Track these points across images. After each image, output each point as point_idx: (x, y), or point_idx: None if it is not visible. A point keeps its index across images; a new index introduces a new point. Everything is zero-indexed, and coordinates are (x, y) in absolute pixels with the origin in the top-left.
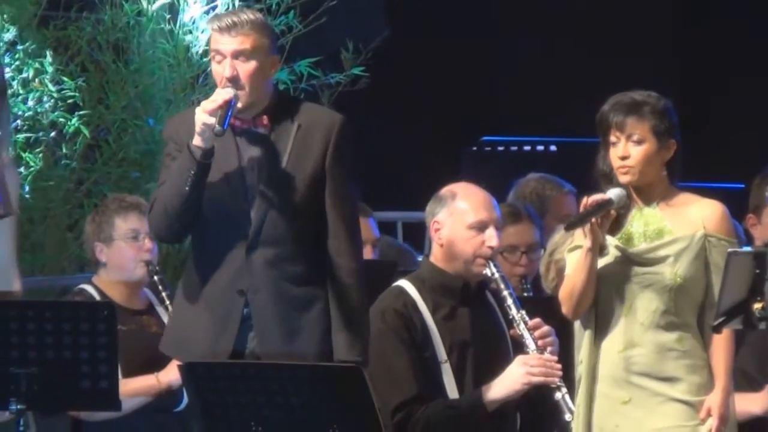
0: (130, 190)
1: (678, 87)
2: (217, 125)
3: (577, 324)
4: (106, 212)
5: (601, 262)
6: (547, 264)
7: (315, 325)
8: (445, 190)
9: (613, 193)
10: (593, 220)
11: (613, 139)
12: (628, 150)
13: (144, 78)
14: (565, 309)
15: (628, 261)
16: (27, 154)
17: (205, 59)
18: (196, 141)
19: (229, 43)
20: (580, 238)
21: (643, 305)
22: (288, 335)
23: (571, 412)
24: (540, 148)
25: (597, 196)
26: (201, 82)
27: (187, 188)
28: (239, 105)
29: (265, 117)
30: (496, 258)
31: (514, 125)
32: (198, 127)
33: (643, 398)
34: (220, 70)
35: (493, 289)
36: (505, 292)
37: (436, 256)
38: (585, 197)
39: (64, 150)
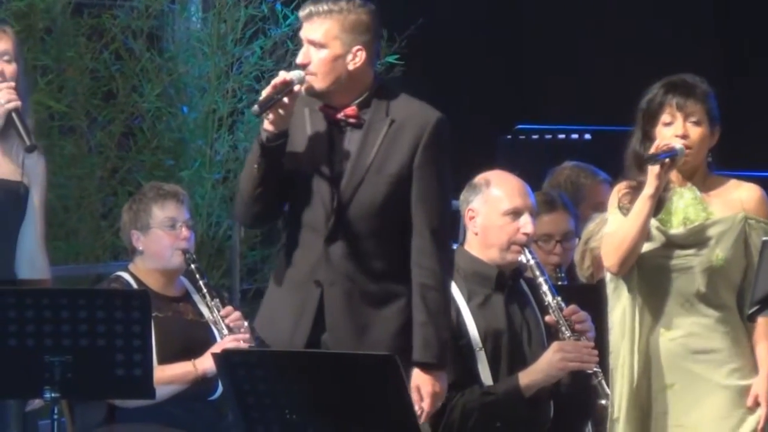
0: (164, 178)
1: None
2: (257, 106)
3: (615, 308)
4: (143, 200)
5: (645, 246)
6: (581, 252)
7: (389, 323)
8: (479, 178)
9: (293, 74)
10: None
11: (667, 119)
12: (687, 129)
13: (178, 66)
14: (611, 262)
15: (669, 243)
16: (62, 141)
17: (238, 48)
18: (265, 123)
19: (305, 31)
20: (614, 206)
21: (684, 287)
22: (358, 330)
23: (608, 398)
24: (575, 136)
25: (278, 79)
26: (236, 70)
27: (255, 170)
28: (314, 89)
29: (354, 108)
30: (531, 245)
31: (548, 113)
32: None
33: (689, 383)
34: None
35: (528, 277)
36: (541, 279)
37: (471, 244)
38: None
39: (98, 138)
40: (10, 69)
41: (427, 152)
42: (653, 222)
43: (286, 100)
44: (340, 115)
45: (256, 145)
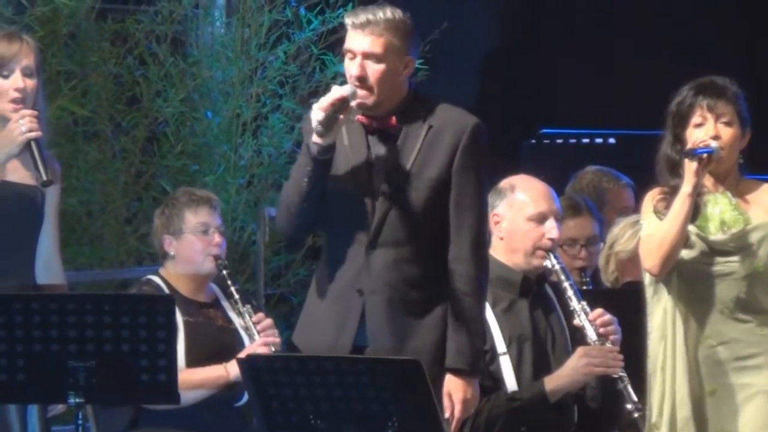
0: (189, 183)
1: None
2: (319, 124)
3: (654, 313)
4: (176, 205)
5: (683, 252)
6: (606, 257)
7: (430, 331)
8: (504, 183)
9: (347, 89)
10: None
11: (698, 120)
12: (719, 130)
13: (202, 71)
14: (652, 263)
15: (710, 250)
16: (86, 147)
17: (262, 52)
18: (314, 137)
19: (360, 42)
20: (649, 211)
21: (724, 293)
22: (399, 339)
23: (634, 403)
24: (599, 140)
25: (335, 96)
26: (259, 75)
27: (305, 184)
28: (368, 103)
29: (393, 117)
30: (556, 250)
31: (573, 118)
32: (313, 123)
33: (730, 389)
34: (349, 67)
35: (553, 282)
36: (566, 284)
37: (496, 249)
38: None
39: (122, 143)
40: (31, 84)
41: (465, 157)
42: (692, 229)
43: (342, 116)
44: (377, 125)
45: (306, 159)
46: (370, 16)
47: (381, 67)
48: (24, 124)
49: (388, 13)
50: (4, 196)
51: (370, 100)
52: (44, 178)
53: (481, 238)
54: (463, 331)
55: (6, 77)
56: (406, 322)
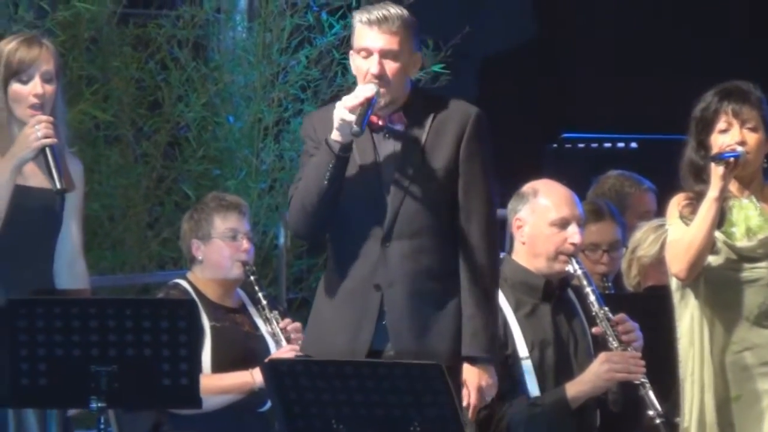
0: (210, 188)
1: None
2: (355, 125)
3: (682, 318)
4: (205, 210)
5: (710, 259)
6: (628, 261)
7: (449, 322)
8: (527, 187)
9: (370, 89)
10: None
11: (723, 126)
12: (744, 136)
13: (224, 75)
14: (678, 268)
15: (737, 256)
16: (107, 151)
17: (284, 57)
18: (335, 135)
19: (377, 40)
20: (674, 216)
21: (751, 299)
22: (420, 332)
23: (655, 409)
24: (621, 145)
25: (363, 96)
26: (281, 80)
27: (326, 182)
28: (381, 102)
29: (401, 114)
30: (578, 255)
31: (594, 122)
32: (336, 122)
33: (754, 395)
34: (365, 65)
35: (575, 286)
36: (588, 289)
37: (518, 254)
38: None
39: (144, 147)
40: (50, 90)
41: (471, 145)
42: (719, 235)
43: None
44: (383, 122)
45: (326, 158)
46: (385, 13)
47: (398, 64)
48: (39, 130)
49: (399, 10)
50: (22, 202)
51: (386, 98)
52: (57, 186)
53: (489, 225)
54: (476, 318)
55: (25, 82)
56: (425, 314)
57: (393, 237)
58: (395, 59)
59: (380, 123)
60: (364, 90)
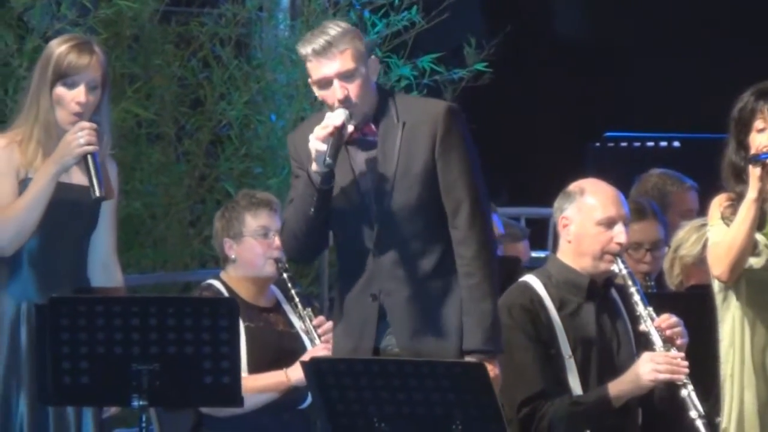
0: (253, 186)
1: None
2: (327, 157)
3: (725, 320)
4: (236, 209)
5: (751, 261)
6: (671, 260)
7: (450, 318)
8: (574, 186)
9: (339, 115)
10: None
11: (760, 125)
12: None
13: (266, 74)
14: (720, 270)
15: None
16: (149, 149)
17: None
18: (314, 167)
19: (330, 66)
20: (716, 218)
21: None
22: (424, 332)
23: (697, 410)
24: (663, 144)
25: (330, 127)
26: None
27: (311, 212)
28: (356, 122)
29: (371, 125)
30: (623, 254)
31: (637, 121)
32: (312, 153)
33: None
34: (329, 94)
35: (619, 286)
36: (632, 289)
37: (564, 252)
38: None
39: (186, 146)
40: (92, 99)
41: (445, 142)
42: (760, 238)
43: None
44: (357, 135)
45: (310, 190)
46: (326, 38)
47: (358, 80)
48: (82, 137)
49: (337, 27)
50: (59, 199)
51: (357, 117)
52: (96, 194)
53: (476, 216)
54: (471, 312)
55: (70, 87)
56: (426, 314)
57: (384, 247)
58: (353, 77)
59: (353, 136)
60: (333, 118)
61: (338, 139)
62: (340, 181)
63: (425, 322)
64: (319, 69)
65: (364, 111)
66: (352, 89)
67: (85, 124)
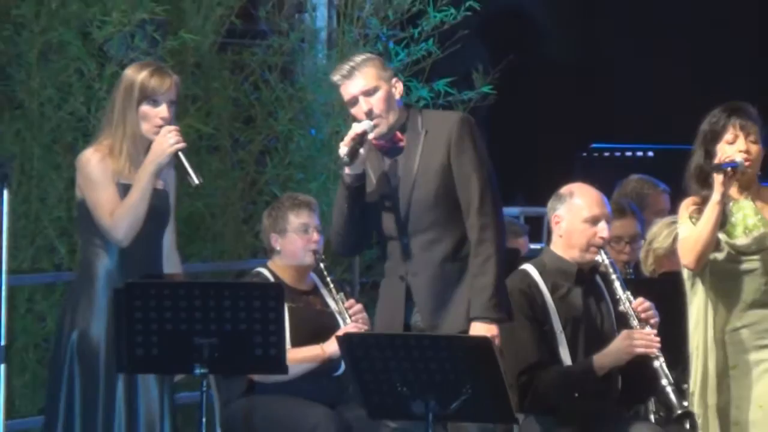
0: (295, 190)
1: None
2: (345, 156)
3: (692, 302)
4: (281, 208)
5: (714, 255)
6: (646, 252)
7: (464, 294)
8: (564, 189)
9: (364, 125)
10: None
11: (730, 138)
12: (748, 147)
13: (307, 95)
14: (688, 260)
15: (736, 252)
16: (209, 158)
17: None
18: (345, 170)
19: (355, 86)
20: (684, 218)
21: (748, 286)
22: (442, 309)
23: (668, 378)
24: (640, 153)
25: (353, 133)
26: None
27: (346, 210)
28: (383, 130)
29: (398, 133)
30: (606, 247)
31: (618, 134)
32: (340, 155)
33: (747, 365)
34: (358, 110)
35: (603, 273)
36: (613, 276)
37: (556, 245)
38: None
39: (239, 155)
40: (171, 115)
41: (457, 146)
42: (721, 236)
43: (362, 151)
44: (388, 143)
45: (342, 189)
46: (351, 63)
47: (379, 95)
48: (172, 137)
49: (360, 56)
50: (151, 202)
51: (383, 127)
52: (196, 181)
53: (484, 206)
54: (476, 286)
55: (154, 105)
56: (445, 294)
57: (410, 234)
58: (375, 93)
59: (387, 145)
60: (356, 127)
61: (358, 143)
62: (376, 181)
63: (443, 300)
64: (347, 90)
65: (389, 122)
66: (375, 104)
67: (171, 127)
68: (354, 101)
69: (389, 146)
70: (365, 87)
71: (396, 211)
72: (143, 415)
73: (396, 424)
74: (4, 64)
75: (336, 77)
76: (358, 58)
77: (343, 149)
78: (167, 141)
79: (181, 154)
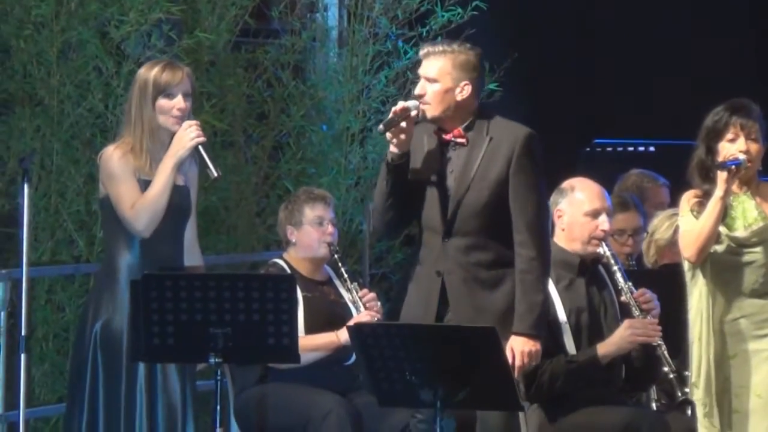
0: (307, 184)
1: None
2: (383, 125)
3: (692, 293)
4: (297, 202)
5: (715, 247)
6: (648, 244)
7: (498, 303)
8: (566, 184)
9: (410, 103)
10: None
11: (731, 136)
12: (749, 145)
13: (318, 92)
14: (690, 253)
15: (736, 244)
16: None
17: (367, 77)
18: (390, 147)
19: (423, 68)
20: (686, 211)
21: (746, 278)
22: (476, 311)
23: (669, 365)
24: (641, 148)
25: (398, 106)
26: (365, 96)
27: (385, 187)
28: (427, 116)
29: (460, 130)
30: (607, 239)
31: (620, 130)
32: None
33: (747, 354)
34: (418, 88)
35: (605, 264)
36: (615, 267)
37: (559, 238)
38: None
39: (253, 151)
40: (188, 106)
41: (519, 162)
42: (722, 229)
43: (404, 124)
44: (449, 137)
45: (384, 166)
46: (431, 48)
47: (436, 86)
48: (192, 131)
49: (448, 45)
50: (172, 198)
51: (429, 113)
52: (215, 174)
53: (538, 226)
54: (523, 302)
55: (170, 98)
56: (479, 296)
57: (452, 235)
58: (433, 83)
59: (447, 138)
60: (402, 103)
61: (400, 116)
62: (431, 172)
63: (478, 303)
64: (421, 66)
65: (435, 113)
66: (429, 91)
67: (191, 121)
68: (419, 78)
69: (448, 139)
70: (428, 74)
71: (444, 208)
72: (163, 404)
73: (423, 415)
74: (25, 62)
75: (420, 52)
76: (441, 46)
77: (386, 119)
78: (188, 135)
79: (201, 148)
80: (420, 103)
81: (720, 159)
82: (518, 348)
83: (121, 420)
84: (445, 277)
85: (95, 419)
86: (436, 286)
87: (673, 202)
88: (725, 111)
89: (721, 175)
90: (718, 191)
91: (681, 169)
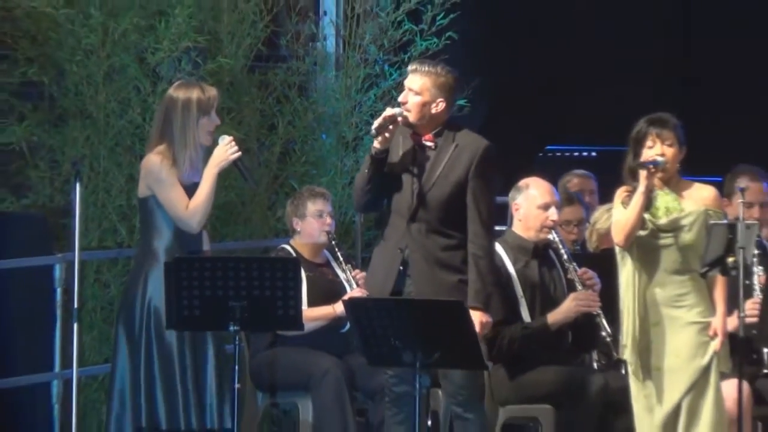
0: (309, 182)
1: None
2: (374, 129)
3: (622, 272)
4: (301, 197)
5: (640, 232)
6: (590, 232)
7: (451, 278)
8: (522, 182)
9: (396, 110)
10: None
11: (650, 143)
12: (664, 150)
13: (319, 107)
14: (619, 238)
15: (657, 230)
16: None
17: (359, 95)
18: (374, 143)
19: (408, 80)
20: (618, 203)
21: (666, 258)
22: (433, 284)
23: (606, 331)
24: (585, 153)
25: (387, 113)
26: (357, 110)
27: (366, 173)
28: (408, 121)
29: (431, 135)
30: (557, 228)
31: (568, 138)
32: (372, 130)
33: (667, 322)
34: (402, 97)
35: (555, 249)
36: (563, 250)
37: (516, 227)
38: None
39: (265, 156)
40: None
41: (478, 168)
42: (647, 216)
43: (391, 127)
44: (422, 140)
45: (368, 157)
46: (419, 66)
47: (417, 98)
48: (232, 147)
49: (432, 66)
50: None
51: (410, 119)
52: (255, 186)
53: (489, 221)
54: (477, 281)
55: (209, 116)
56: (435, 272)
57: (415, 220)
58: (416, 95)
59: (418, 140)
60: (390, 110)
61: (388, 122)
62: (403, 166)
63: (433, 278)
64: (407, 78)
65: (415, 119)
66: (411, 101)
67: (230, 138)
68: (404, 89)
69: (419, 141)
70: (413, 87)
71: (411, 196)
72: (210, 357)
73: (392, 371)
74: (77, 82)
75: (410, 66)
76: (427, 66)
77: (375, 123)
78: (229, 150)
79: (238, 163)
80: (403, 109)
81: (642, 160)
82: (476, 320)
83: (176, 373)
84: (407, 254)
85: (152, 374)
86: (397, 260)
87: (611, 198)
88: (644, 123)
89: (642, 174)
90: (641, 186)
91: (618, 171)
